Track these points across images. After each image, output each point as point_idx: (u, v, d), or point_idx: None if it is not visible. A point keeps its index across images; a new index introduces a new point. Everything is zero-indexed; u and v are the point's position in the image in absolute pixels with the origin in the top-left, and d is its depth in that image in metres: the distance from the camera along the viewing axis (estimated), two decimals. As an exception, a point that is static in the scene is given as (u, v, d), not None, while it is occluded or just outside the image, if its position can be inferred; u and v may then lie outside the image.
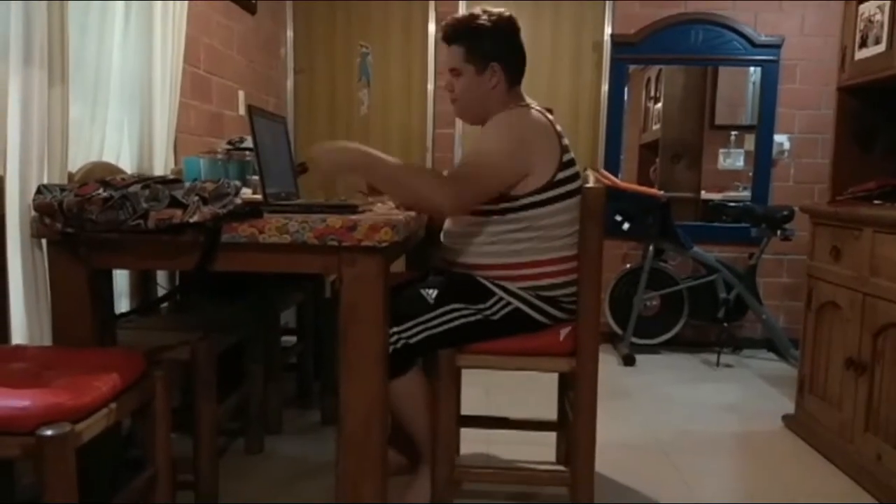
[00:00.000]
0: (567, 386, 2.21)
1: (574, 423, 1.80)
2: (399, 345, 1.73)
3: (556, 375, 2.20)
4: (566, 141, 1.84)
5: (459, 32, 1.85)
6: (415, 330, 1.75)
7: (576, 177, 1.83)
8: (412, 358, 1.79)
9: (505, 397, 2.96)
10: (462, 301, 1.79)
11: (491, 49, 1.82)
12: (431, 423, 1.83)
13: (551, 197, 1.78)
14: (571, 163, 1.84)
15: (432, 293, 1.79)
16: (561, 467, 2.23)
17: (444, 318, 1.77)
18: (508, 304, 1.80)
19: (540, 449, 2.33)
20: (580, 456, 1.78)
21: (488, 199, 1.76)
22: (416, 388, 1.83)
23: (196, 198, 1.46)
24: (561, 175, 1.79)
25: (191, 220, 1.44)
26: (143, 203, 1.45)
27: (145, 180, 1.50)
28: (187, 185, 1.49)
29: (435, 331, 1.76)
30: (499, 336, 1.80)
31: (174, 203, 1.46)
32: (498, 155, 1.76)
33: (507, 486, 2.13)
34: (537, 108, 1.88)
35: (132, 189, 1.46)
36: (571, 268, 1.81)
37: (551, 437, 2.31)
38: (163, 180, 1.51)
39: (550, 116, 1.86)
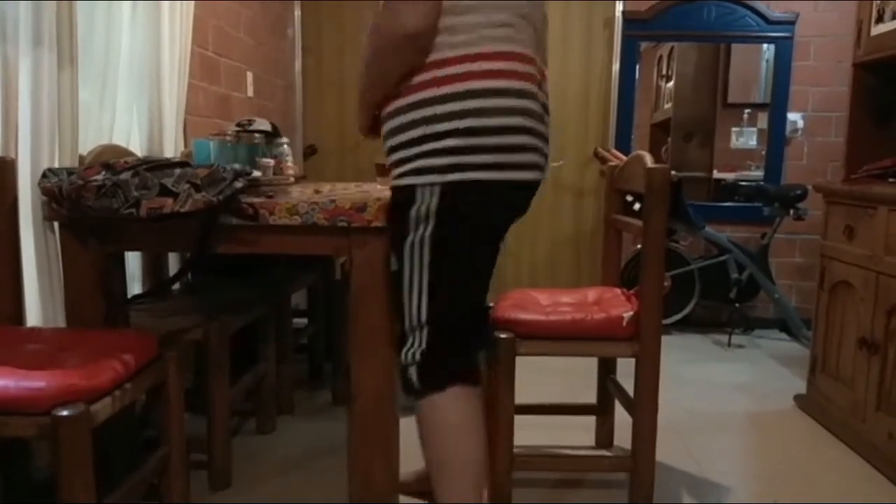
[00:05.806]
0: (609, 370, 2.21)
1: (636, 408, 1.78)
2: (416, 356, 1.37)
3: (587, 360, 2.17)
4: None
5: None
6: (414, 314, 1.38)
7: None
8: (448, 360, 1.39)
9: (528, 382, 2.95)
10: (401, 216, 1.36)
11: None
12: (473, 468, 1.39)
13: None
14: None
15: (393, 260, 1.42)
16: (604, 451, 2.25)
17: (414, 265, 1.36)
18: (427, 171, 1.30)
19: (572, 433, 2.33)
20: (642, 441, 1.76)
21: None
22: (458, 409, 1.38)
23: (187, 185, 1.41)
24: None
25: (181, 210, 1.39)
26: (134, 191, 1.41)
27: (137, 166, 1.46)
28: (178, 172, 1.43)
29: (427, 287, 1.36)
30: (472, 222, 1.34)
31: (164, 191, 1.41)
32: None
33: (550, 473, 2.08)
34: None
35: (122, 177, 1.43)
36: (468, 71, 1.27)
37: (578, 420, 2.30)
38: (156, 166, 1.46)
39: None
